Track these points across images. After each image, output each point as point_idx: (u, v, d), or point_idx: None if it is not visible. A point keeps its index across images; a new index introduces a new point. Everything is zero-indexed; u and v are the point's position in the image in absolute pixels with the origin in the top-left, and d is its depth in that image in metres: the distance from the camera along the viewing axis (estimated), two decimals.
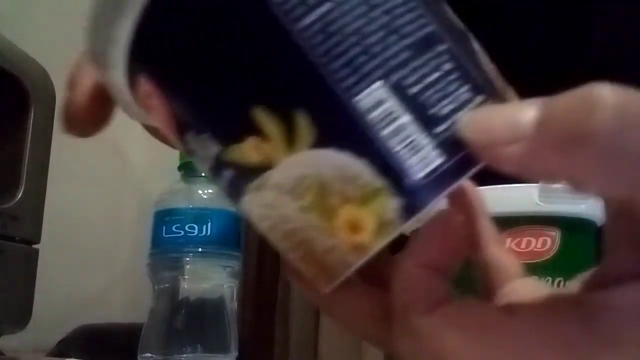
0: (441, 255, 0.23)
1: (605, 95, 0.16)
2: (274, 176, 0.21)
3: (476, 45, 0.23)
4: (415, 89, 0.20)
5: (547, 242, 0.33)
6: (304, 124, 0.20)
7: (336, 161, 0.20)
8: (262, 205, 0.22)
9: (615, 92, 0.16)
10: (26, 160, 0.60)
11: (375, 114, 0.20)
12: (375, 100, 0.20)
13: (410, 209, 0.20)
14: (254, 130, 0.21)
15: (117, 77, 0.24)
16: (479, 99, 0.21)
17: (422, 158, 0.20)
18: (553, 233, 0.33)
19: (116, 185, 1.00)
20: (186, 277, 0.57)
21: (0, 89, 0.60)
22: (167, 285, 0.58)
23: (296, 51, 0.20)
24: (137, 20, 0.22)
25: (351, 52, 0.20)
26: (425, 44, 0.21)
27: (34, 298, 0.61)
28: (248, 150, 0.21)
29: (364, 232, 0.20)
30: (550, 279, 0.33)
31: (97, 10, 0.23)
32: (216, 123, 0.22)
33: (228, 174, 0.22)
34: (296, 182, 0.21)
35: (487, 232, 0.27)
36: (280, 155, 0.21)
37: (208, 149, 0.23)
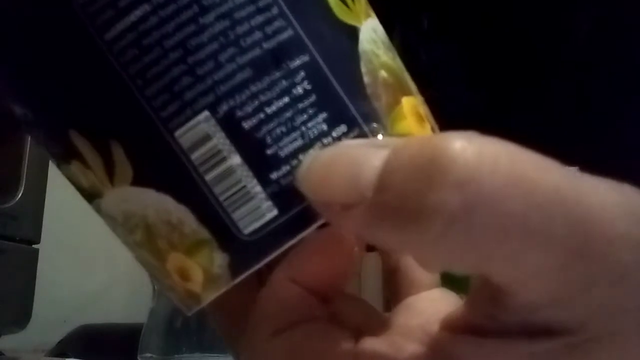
0: (321, 275, 0.19)
1: (451, 163, 0.13)
2: (103, 206, 0.18)
3: (366, 46, 0.18)
4: (250, 123, 0.16)
5: None
6: (120, 157, 0.17)
7: (157, 204, 0.17)
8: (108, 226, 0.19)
9: (463, 159, 0.13)
10: (26, 160, 0.60)
11: (198, 153, 0.16)
12: (200, 136, 0.16)
13: (237, 267, 0.17)
14: (75, 154, 0.18)
15: None
16: (338, 131, 0.17)
17: (252, 210, 0.16)
18: None
19: None
20: None
21: None
22: None
23: (107, 68, 0.16)
24: None
25: (171, 72, 0.16)
26: (275, 58, 0.16)
27: (34, 298, 0.61)
28: (76, 174, 0.18)
29: (193, 282, 0.18)
30: None
31: None
32: (43, 138, 0.19)
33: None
34: (125, 217, 0.18)
35: None
36: (104, 186, 0.18)
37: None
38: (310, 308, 0.19)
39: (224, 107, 0.16)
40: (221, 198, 0.16)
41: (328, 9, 0.17)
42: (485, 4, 0.53)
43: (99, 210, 0.19)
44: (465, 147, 0.14)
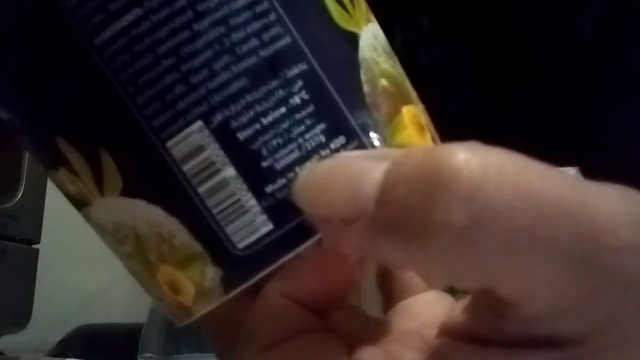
0: (317, 293, 0.19)
1: (455, 176, 0.13)
2: (92, 215, 0.18)
3: (366, 53, 0.17)
4: (245, 134, 0.15)
5: None
6: (109, 167, 0.16)
7: (148, 215, 0.16)
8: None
9: (468, 171, 0.13)
10: (26, 160, 0.60)
11: (191, 165, 0.16)
12: (193, 146, 0.15)
13: (230, 282, 0.16)
14: (63, 161, 0.17)
15: None
16: (337, 143, 0.16)
17: (246, 223, 0.16)
18: None
19: None
20: None
21: None
22: None
23: (96, 74, 0.15)
24: None
25: (164, 80, 0.15)
26: (272, 66, 0.16)
27: (34, 298, 0.61)
28: (64, 181, 0.18)
29: (184, 295, 0.17)
30: None
31: None
32: (29, 144, 0.18)
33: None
34: (114, 227, 0.17)
35: None
36: (93, 196, 0.17)
37: None
38: (303, 321, 0.18)
39: (218, 117, 0.15)
40: (214, 211, 0.16)
41: (327, 15, 0.17)
42: (485, 4, 0.53)
43: (87, 218, 0.18)
44: (469, 158, 0.13)
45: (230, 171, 0.16)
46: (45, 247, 0.63)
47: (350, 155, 0.16)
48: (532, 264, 0.13)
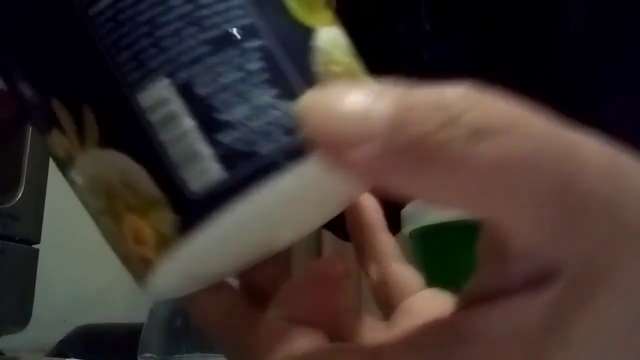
0: (310, 310, 0.19)
1: (492, 110, 0.14)
2: (74, 173, 0.20)
3: (322, 44, 0.20)
4: (205, 90, 0.18)
5: None
6: (90, 121, 0.19)
7: (118, 164, 0.18)
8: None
9: (506, 110, 0.14)
10: (26, 160, 0.60)
11: (156, 115, 0.18)
12: (158, 99, 0.18)
13: (187, 225, 0.18)
14: (55, 121, 0.19)
15: None
16: (285, 106, 0.18)
17: (202, 170, 0.17)
18: None
19: None
20: None
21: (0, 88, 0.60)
22: None
23: (87, 40, 0.18)
24: None
25: (140, 44, 0.18)
26: (232, 38, 0.18)
27: (34, 298, 0.61)
28: (53, 143, 0.20)
29: (146, 245, 0.19)
30: None
31: None
32: (32, 109, 0.21)
33: None
34: (91, 182, 0.19)
35: (387, 248, 0.25)
36: (76, 151, 0.19)
37: None
38: (304, 337, 0.19)
39: (182, 76, 0.18)
40: (174, 158, 0.18)
41: (287, 9, 0.20)
42: (484, 4, 0.53)
43: (71, 181, 0.20)
44: (472, 89, 0.14)
45: (189, 122, 0.18)
46: (45, 247, 0.63)
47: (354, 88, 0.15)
48: (519, 183, 0.14)
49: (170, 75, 0.18)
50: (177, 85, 0.18)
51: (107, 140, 0.18)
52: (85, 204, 0.21)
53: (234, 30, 0.18)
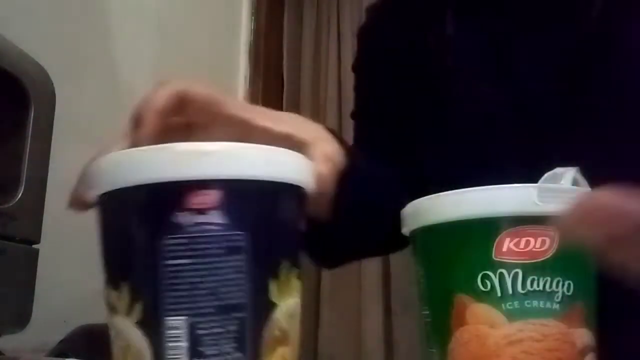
0: None
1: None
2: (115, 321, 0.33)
3: (278, 314, 0.31)
4: (202, 331, 0.29)
5: (546, 242, 0.33)
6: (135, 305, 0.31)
7: (132, 336, 0.31)
8: None
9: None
10: (26, 160, 0.60)
11: (168, 333, 0.29)
12: (174, 325, 0.29)
13: None
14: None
15: None
16: (238, 355, 0.30)
17: None
18: (552, 233, 0.33)
19: None
20: None
21: (0, 89, 0.60)
22: None
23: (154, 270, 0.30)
24: None
25: (186, 289, 0.30)
26: (229, 309, 0.30)
27: (34, 298, 0.61)
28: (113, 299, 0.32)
29: None
30: (549, 279, 0.33)
31: None
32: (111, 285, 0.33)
33: None
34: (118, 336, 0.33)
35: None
36: (121, 315, 0.32)
37: None
38: None
39: (194, 319, 0.30)
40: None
41: (267, 292, 0.32)
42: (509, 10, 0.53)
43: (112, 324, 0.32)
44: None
45: (184, 343, 0.29)
46: (45, 247, 0.63)
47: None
48: None
49: (187, 315, 0.29)
50: (188, 321, 0.29)
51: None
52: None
53: (233, 304, 0.30)
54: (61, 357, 0.68)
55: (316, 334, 1.74)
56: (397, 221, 0.40)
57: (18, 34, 0.65)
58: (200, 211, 0.30)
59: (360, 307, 1.70)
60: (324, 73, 1.91)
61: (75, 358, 0.64)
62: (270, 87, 1.81)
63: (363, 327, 1.68)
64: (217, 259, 0.30)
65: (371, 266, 1.66)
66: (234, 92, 1.65)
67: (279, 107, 1.87)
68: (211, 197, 0.30)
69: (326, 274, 1.72)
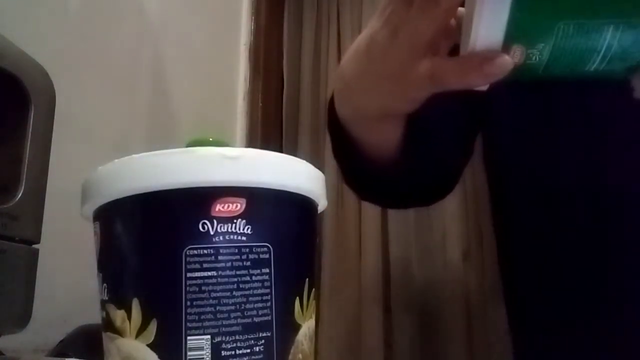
0: None
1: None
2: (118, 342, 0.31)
3: (300, 338, 0.30)
4: (227, 352, 0.28)
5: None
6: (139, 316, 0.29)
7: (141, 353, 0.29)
8: None
9: None
10: (26, 160, 0.60)
11: (190, 355, 0.27)
12: (196, 345, 0.27)
13: None
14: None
15: None
16: None
17: None
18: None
19: None
20: None
21: (0, 89, 0.60)
22: None
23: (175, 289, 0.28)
24: None
25: (211, 304, 0.28)
26: (254, 327, 0.28)
27: (34, 298, 0.61)
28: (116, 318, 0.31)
29: None
30: None
31: None
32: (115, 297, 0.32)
33: None
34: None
35: None
36: (125, 334, 0.30)
37: None
38: None
39: (218, 338, 0.28)
40: None
41: (293, 314, 0.30)
42: None
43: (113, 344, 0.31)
44: None
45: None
46: (45, 247, 0.63)
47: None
48: None
49: (212, 334, 0.27)
50: (212, 341, 0.27)
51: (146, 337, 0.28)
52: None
53: (260, 322, 0.28)
54: (61, 357, 0.68)
55: (316, 334, 1.74)
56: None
57: (18, 34, 0.65)
58: (227, 220, 0.28)
59: (360, 307, 1.70)
60: (324, 73, 1.91)
61: (75, 358, 0.64)
62: (270, 87, 1.81)
63: (363, 327, 1.68)
64: (244, 271, 0.28)
65: (371, 266, 1.67)
66: (234, 91, 1.65)
67: (279, 107, 1.87)
68: (238, 204, 0.28)
69: (326, 274, 1.72)
